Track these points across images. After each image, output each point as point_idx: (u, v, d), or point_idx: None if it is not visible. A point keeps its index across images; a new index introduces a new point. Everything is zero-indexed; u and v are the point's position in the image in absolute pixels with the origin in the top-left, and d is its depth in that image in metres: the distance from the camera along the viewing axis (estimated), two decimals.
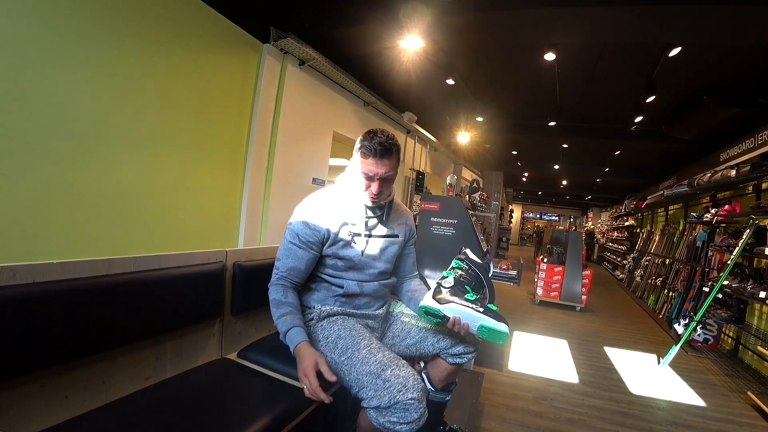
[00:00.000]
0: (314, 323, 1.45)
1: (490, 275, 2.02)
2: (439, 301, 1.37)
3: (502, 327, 1.30)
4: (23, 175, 1.96)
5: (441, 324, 1.38)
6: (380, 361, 1.23)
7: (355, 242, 1.44)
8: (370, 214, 1.48)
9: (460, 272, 1.47)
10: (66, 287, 1.07)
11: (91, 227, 2.30)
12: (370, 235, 1.48)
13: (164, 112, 2.65)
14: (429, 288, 1.50)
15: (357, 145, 1.40)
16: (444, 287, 1.41)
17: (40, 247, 2.06)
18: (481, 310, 1.34)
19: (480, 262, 1.54)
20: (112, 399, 1.20)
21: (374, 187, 1.39)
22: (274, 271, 1.42)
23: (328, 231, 1.41)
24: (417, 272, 1.73)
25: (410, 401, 1.14)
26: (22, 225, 1.98)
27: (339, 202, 1.44)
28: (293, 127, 3.84)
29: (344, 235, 1.42)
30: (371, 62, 4.39)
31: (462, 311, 1.34)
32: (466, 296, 1.38)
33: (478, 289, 1.46)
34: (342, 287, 1.44)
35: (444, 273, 1.48)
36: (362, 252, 1.45)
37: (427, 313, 1.38)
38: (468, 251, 1.57)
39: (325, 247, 1.44)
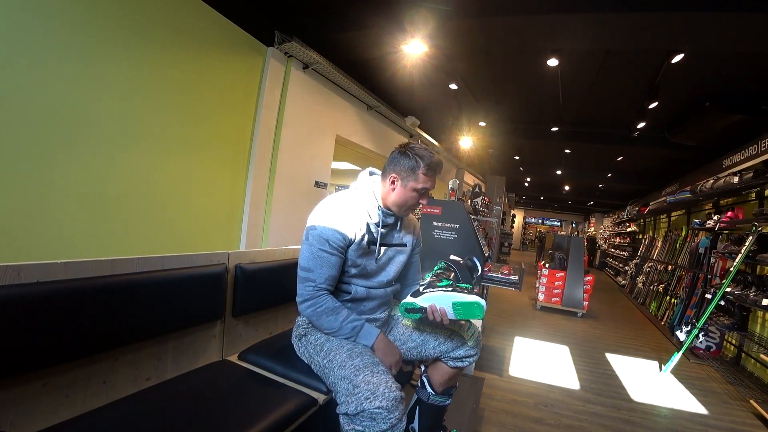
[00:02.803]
0: (310, 326, 1.46)
1: (478, 273, 2.02)
2: (415, 296, 1.40)
3: (473, 298, 1.31)
4: (29, 176, 1.98)
5: (424, 319, 1.39)
6: (356, 366, 1.22)
7: (370, 250, 1.45)
8: (386, 222, 1.49)
9: (439, 271, 1.51)
10: (69, 287, 1.08)
11: (95, 228, 2.31)
12: (383, 244, 1.49)
13: (169, 114, 2.67)
14: None
15: (414, 161, 1.39)
16: (422, 284, 1.45)
17: (44, 247, 2.07)
18: (450, 289, 1.35)
19: (460, 260, 1.59)
20: (113, 399, 1.21)
21: (425, 200, 1.44)
22: (308, 283, 1.34)
23: (353, 237, 1.39)
24: (420, 280, 1.73)
25: (377, 410, 1.10)
26: (27, 225, 1.99)
27: (358, 209, 1.43)
28: (296, 130, 3.85)
29: (363, 242, 1.42)
30: (375, 66, 4.41)
31: (434, 296, 1.36)
32: (439, 284, 1.40)
33: (454, 281, 1.47)
34: (350, 293, 1.44)
35: (426, 275, 1.53)
36: (376, 260, 1.46)
37: (408, 311, 1.40)
38: (452, 256, 1.62)
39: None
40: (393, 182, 1.44)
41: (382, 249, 1.49)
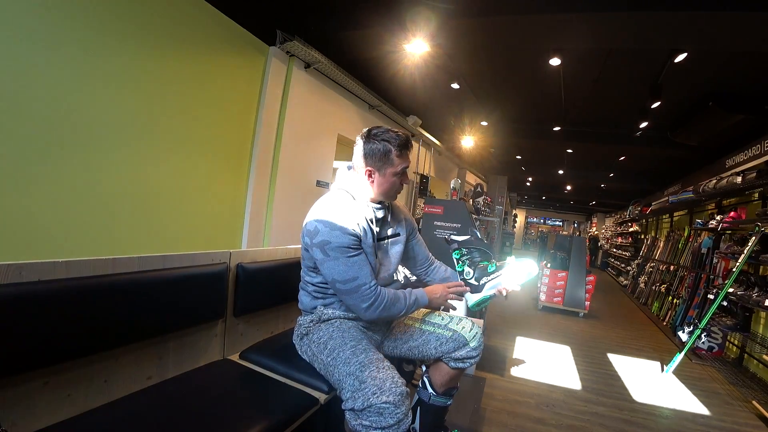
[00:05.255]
0: (314, 325, 1.45)
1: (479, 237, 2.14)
2: (478, 290, 1.51)
3: (531, 269, 1.48)
4: (31, 175, 1.98)
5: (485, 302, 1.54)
6: (361, 362, 1.22)
7: (369, 246, 1.44)
8: (379, 216, 1.48)
9: (467, 258, 1.56)
10: (71, 286, 1.08)
11: (97, 227, 2.32)
12: (380, 238, 1.49)
13: (171, 113, 2.68)
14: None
15: (382, 147, 1.37)
16: (471, 281, 1.53)
17: (47, 246, 2.08)
18: (504, 272, 1.50)
19: (468, 238, 1.63)
20: (114, 398, 1.21)
21: (406, 180, 1.46)
22: (362, 289, 1.32)
23: (361, 235, 1.38)
24: (433, 257, 1.77)
25: (384, 405, 1.10)
26: (29, 224, 2.00)
27: (352, 209, 1.41)
28: (298, 130, 3.85)
29: (367, 240, 1.41)
30: (376, 66, 4.41)
31: (497, 284, 1.49)
32: (489, 270, 1.51)
33: (487, 257, 1.57)
34: None
35: (458, 268, 1.59)
36: (375, 255, 1.46)
37: (479, 305, 1.53)
38: (455, 237, 1.64)
39: None
40: (370, 175, 1.41)
41: (380, 243, 1.49)
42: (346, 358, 1.26)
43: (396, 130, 1.40)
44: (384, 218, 1.51)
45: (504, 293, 1.49)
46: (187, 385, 1.33)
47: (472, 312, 3.61)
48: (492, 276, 1.50)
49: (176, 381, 1.36)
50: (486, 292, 1.50)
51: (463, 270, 1.55)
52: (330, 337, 1.38)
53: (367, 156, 1.39)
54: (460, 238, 1.62)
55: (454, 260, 1.60)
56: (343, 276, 1.32)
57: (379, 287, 1.35)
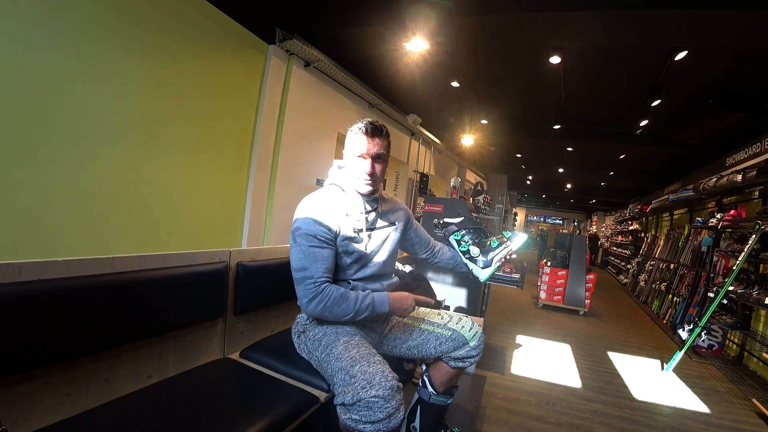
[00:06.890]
0: (309, 322, 1.46)
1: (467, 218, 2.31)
2: (489, 265, 1.65)
3: (522, 238, 1.69)
4: (30, 174, 1.98)
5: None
6: (352, 357, 1.22)
7: (359, 237, 1.44)
8: (368, 208, 1.48)
9: (468, 238, 1.70)
10: (71, 285, 1.08)
11: (97, 226, 2.32)
12: (371, 229, 1.48)
13: (170, 112, 2.67)
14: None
15: (350, 134, 1.44)
16: (478, 258, 1.67)
17: (46, 246, 2.08)
18: (507, 245, 1.67)
19: (463, 219, 1.77)
20: (115, 397, 1.21)
21: (367, 165, 1.40)
22: (306, 282, 1.31)
23: (337, 229, 1.38)
24: (435, 241, 1.81)
25: (373, 399, 1.09)
26: (29, 223, 2.00)
27: (338, 201, 1.43)
28: (298, 128, 3.85)
29: (349, 231, 1.40)
30: (376, 64, 4.40)
31: (501, 255, 1.65)
32: (492, 245, 1.68)
33: (485, 234, 1.75)
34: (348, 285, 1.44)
35: (461, 249, 1.71)
36: (366, 246, 1.45)
37: (490, 276, 1.68)
38: (449, 220, 1.76)
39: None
40: (345, 160, 1.48)
41: (371, 233, 1.48)
42: (338, 354, 1.26)
43: (370, 119, 1.44)
44: (376, 209, 1.51)
45: (507, 258, 1.66)
46: (187, 383, 1.33)
47: (471, 311, 3.62)
48: (498, 250, 1.66)
49: (176, 380, 1.36)
50: (495, 264, 1.66)
51: (469, 250, 1.68)
52: (324, 334, 1.38)
53: (345, 147, 1.47)
54: (455, 220, 1.74)
55: (454, 242, 1.72)
56: (297, 262, 1.34)
57: (326, 285, 1.32)
